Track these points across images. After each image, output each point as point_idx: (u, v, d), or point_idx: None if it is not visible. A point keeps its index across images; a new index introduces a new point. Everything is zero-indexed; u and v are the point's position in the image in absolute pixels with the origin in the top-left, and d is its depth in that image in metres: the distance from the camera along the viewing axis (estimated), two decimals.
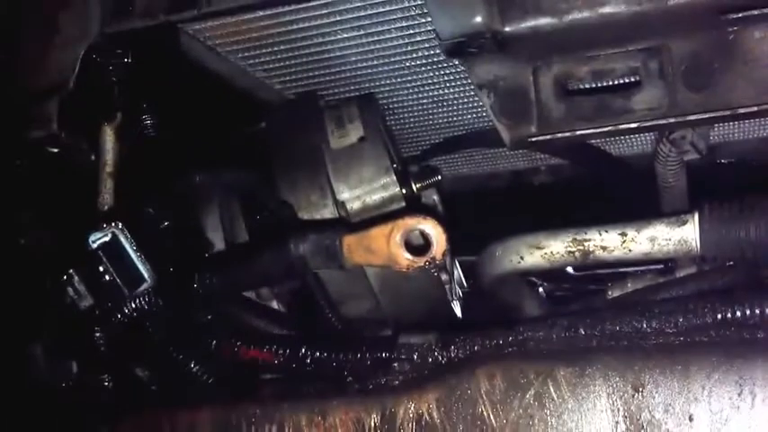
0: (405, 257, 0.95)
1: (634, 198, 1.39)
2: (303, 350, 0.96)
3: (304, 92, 1.33)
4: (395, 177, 1.12)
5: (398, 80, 1.30)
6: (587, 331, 0.85)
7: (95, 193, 1.20)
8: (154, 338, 1.09)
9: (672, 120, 1.02)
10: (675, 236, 1.04)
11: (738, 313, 0.81)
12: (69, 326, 1.11)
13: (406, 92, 1.34)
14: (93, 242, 1.07)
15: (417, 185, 1.23)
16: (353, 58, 1.23)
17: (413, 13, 1.10)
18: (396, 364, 0.87)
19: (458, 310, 1.24)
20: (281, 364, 0.97)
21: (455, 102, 1.38)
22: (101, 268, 1.06)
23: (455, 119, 1.45)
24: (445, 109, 1.41)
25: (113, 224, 1.07)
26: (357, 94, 1.33)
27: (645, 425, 0.75)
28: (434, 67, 1.24)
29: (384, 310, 1.15)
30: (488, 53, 1.00)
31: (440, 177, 1.29)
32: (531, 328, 0.87)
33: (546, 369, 0.80)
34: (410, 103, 1.39)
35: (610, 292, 1.23)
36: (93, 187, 1.20)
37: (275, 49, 1.21)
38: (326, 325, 1.16)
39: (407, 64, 1.24)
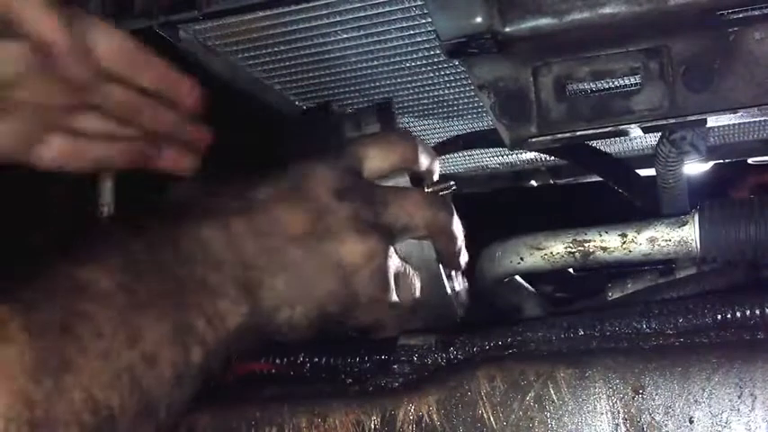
0: None
1: (633, 199, 1.39)
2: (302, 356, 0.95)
3: (320, 102, 1.33)
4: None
5: (399, 80, 1.30)
6: (587, 332, 0.85)
7: (96, 194, 1.19)
8: None
9: (672, 120, 1.02)
10: (675, 237, 1.04)
11: (738, 314, 0.81)
12: None
13: (406, 92, 1.34)
14: None
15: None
16: (353, 59, 1.23)
17: (413, 14, 1.10)
18: (395, 366, 0.87)
19: (458, 311, 1.24)
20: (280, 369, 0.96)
21: (455, 102, 1.38)
22: None
23: (455, 119, 1.45)
24: (445, 109, 1.41)
25: None
26: (358, 94, 1.33)
27: (645, 427, 0.75)
28: (435, 67, 1.24)
29: None
30: (488, 53, 0.99)
31: (453, 183, 1.27)
32: (531, 328, 0.87)
33: (546, 370, 0.79)
34: (411, 103, 1.39)
35: (610, 293, 1.23)
36: (93, 188, 1.19)
37: (275, 49, 1.21)
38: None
39: (408, 64, 1.24)
